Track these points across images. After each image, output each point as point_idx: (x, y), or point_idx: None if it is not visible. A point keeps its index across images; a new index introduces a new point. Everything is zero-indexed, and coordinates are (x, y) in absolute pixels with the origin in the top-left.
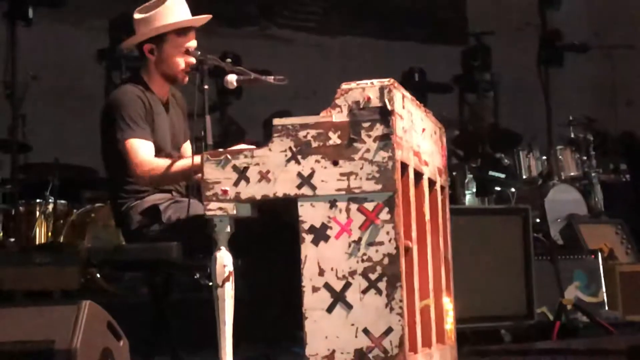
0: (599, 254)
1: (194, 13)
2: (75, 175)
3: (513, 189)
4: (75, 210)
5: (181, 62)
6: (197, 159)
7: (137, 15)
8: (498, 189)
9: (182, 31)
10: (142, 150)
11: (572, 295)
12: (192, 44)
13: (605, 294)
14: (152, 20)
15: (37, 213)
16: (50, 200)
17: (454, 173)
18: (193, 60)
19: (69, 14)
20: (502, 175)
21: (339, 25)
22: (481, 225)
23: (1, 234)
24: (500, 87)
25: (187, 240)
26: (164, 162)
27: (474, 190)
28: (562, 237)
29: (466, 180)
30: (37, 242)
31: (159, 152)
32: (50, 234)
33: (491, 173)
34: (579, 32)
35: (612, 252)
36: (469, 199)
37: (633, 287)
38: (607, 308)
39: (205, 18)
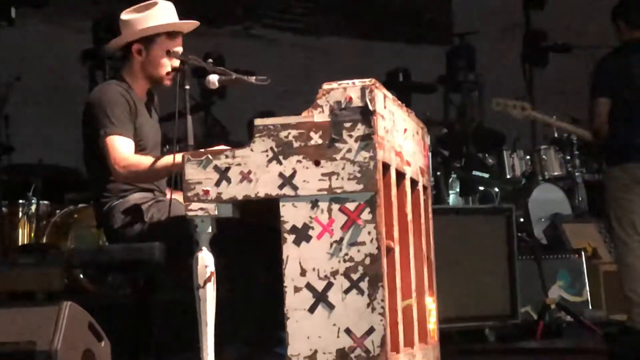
0: (583, 254)
1: (178, 11)
2: (59, 176)
3: (497, 189)
4: (58, 211)
5: (167, 64)
6: (178, 157)
7: (125, 16)
8: (482, 188)
9: (172, 34)
10: (122, 147)
11: (555, 295)
12: (179, 48)
13: (589, 294)
14: (142, 21)
15: (20, 214)
16: (33, 201)
17: (438, 173)
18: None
19: (52, 14)
20: (486, 175)
21: (323, 25)
22: (465, 225)
23: None
24: (485, 87)
25: (169, 240)
26: (142, 160)
27: (458, 189)
28: (546, 237)
29: (450, 180)
30: (20, 243)
31: (140, 152)
32: (33, 235)
33: (475, 173)
34: (563, 32)
35: (595, 251)
36: (452, 198)
37: (617, 286)
38: (590, 307)
39: (194, 24)
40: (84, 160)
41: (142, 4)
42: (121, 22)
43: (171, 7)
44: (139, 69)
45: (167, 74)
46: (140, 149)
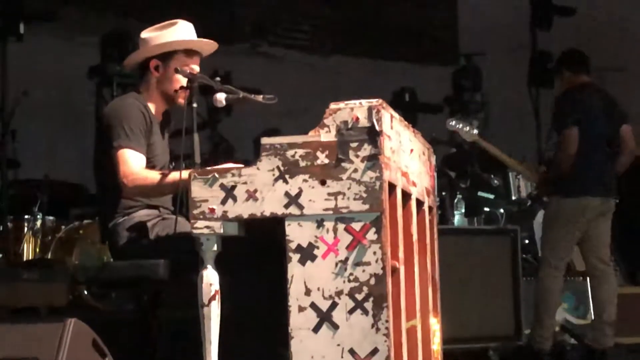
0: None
1: None
2: (64, 192)
3: (502, 210)
4: (63, 227)
5: (182, 81)
6: (185, 174)
7: (144, 35)
8: (487, 209)
9: (189, 52)
10: (133, 161)
11: (560, 317)
12: (196, 67)
13: (593, 317)
14: (161, 37)
15: (25, 229)
16: (38, 217)
17: (444, 193)
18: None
19: (60, 29)
20: (492, 196)
21: (330, 44)
22: (470, 246)
23: None
24: (491, 107)
25: (173, 257)
26: (151, 175)
27: (463, 210)
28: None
29: (455, 200)
30: (25, 258)
31: (151, 169)
32: (38, 250)
33: (480, 193)
34: None
35: None
36: (458, 219)
37: (621, 309)
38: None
39: (212, 45)
40: (94, 172)
41: (162, 23)
42: (140, 41)
43: (191, 27)
44: (155, 85)
45: (176, 91)
46: (149, 166)
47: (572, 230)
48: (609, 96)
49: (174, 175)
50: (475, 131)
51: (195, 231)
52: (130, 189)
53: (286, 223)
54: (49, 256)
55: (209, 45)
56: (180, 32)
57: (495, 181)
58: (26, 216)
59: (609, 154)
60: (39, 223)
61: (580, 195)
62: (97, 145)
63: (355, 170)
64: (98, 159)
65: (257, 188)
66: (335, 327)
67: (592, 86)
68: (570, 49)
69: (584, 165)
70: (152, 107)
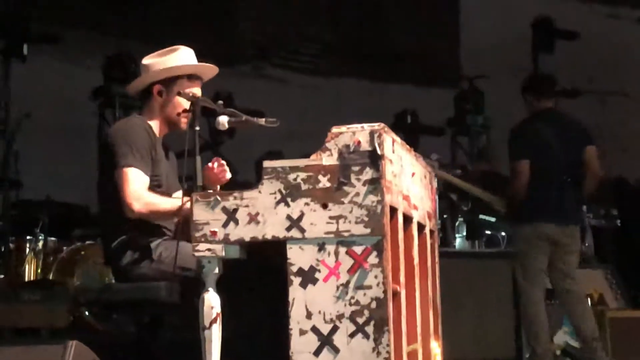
0: (589, 299)
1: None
2: (66, 213)
3: (503, 233)
4: (65, 248)
5: (185, 105)
6: (187, 199)
7: (146, 61)
8: (488, 232)
9: (192, 77)
10: (137, 181)
11: (561, 340)
12: (198, 92)
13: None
14: (164, 63)
15: (27, 250)
16: (40, 237)
17: (445, 216)
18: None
19: (63, 51)
20: (493, 219)
21: (333, 66)
22: (471, 269)
23: None
24: (493, 130)
25: (175, 280)
26: (155, 199)
27: (464, 233)
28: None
29: (457, 223)
30: (26, 279)
31: (156, 187)
32: (39, 270)
33: (482, 216)
34: (571, 77)
35: (602, 297)
36: (459, 242)
37: (622, 332)
38: None
39: (214, 69)
40: (98, 192)
41: (163, 50)
42: (142, 67)
43: (192, 53)
44: (159, 110)
45: (179, 114)
46: (155, 184)
47: (536, 255)
48: (568, 120)
49: (175, 201)
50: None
51: (197, 254)
52: (136, 209)
53: (288, 246)
54: (51, 277)
55: (210, 70)
56: (182, 57)
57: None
58: (28, 237)
59: (565, 182)
60: (40, 244)
61: (533, 221)
62: (100, 165)
63: (357, 194)
64: (101, 179)
65: (259, 211)
66: (336, 350)
67: (550, 112)
68: (534, 74)
69: (537, 193)
70: (156, 129)
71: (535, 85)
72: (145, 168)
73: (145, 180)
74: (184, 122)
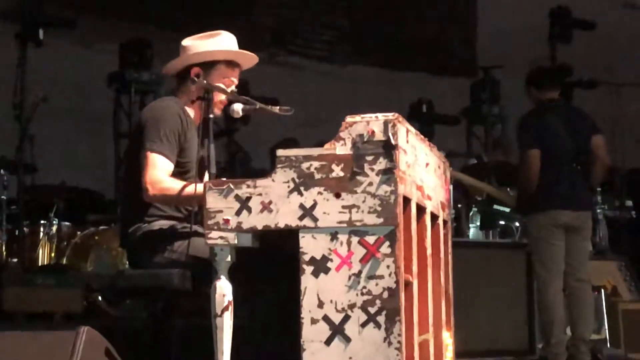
0: (602, 291)
1: None
2: (81, 198)
3: (517, 223)
4: (79, 233)
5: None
6: (201, 187)
7: (186, 42)
8: (502, 222)
9: (231, 64)
10: (161, 167)
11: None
12: (235, 79)
13: (607, 332)
14: (205, 46)
15: (41, 234)
16: (54, 222)
17: (459, 206)
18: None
19: (79, 36)
20: (507, 209)
21: (349, 54)
22: (484, 259)
23: (4, 254)
24: (509, 120)
25: (189, 268)
26: (173, 184)
27: (478, 223)
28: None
29: (471, 213)
30: (40, 264)
31: (183, 175)
32: (53, 255)
33: (496, 207)
34: (589, 67)
35: (615, 289)
36: (473, 232)
37: (636, 324)
38: (609, 345)
39: (254, 58)
40: (124, 174)
41: (205, 33)
42: (181, 48)
43: (234, 39)
44: (195, 94)
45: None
46: (185, 170)
47: (553, 241)
48: (574, 111)
49: (192, 188)
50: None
51: (209, 242)
52: (152, 195)
53: (300, 235)
54: (64, 262)
55: (251, 59)
56: (223, 43)
57: (511, 194)
58: (42, 221)
59: (575, 170)
60: (54, 228)
61: (547, 209)
62: (130, 146)
63: (370, 184)
64: (129, 160)
65: (272, 200)
66: (347, 340)
67: (556, 103)
68: (539, 67)
69: (549, 182)
70: (191, 112)
71: (537, 77)
72: (171, 154)
73: (168, 166)
74: (219, 107)
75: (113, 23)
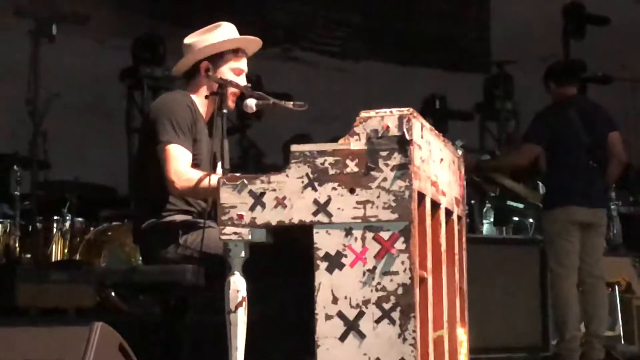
0: (616, 288)
1: None
2: (94, 194)
3: (531, 220)
4: (92, 228)
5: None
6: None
7: (189, 40)
8: (516, 219)
9: (237, 52)
10: (181, 159)
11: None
12: (244, 67)
13: (621, 328)
14: (209, 39)
15: (54, 230)
16: (67, 218)
17: (473, 202)
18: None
19: (92, 31)
20: (521, 205)
21: (362, 50)
22: (498, 255)
23: (18, 250)
24: (522, 116)
25: (202, 264)
26: (197, 175)
27: (492, 219)
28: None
29: (484, 209)
30: (53, 259)
31: (194, 167)
32: (66, 251)
33: (510, 203)
34: (602, 63)
35: (629, 285)
36: (486, 228)
37: None
38: (623, 342)
39: (257, 42)
40: (136, 170)
41: (205, 28)
42: (185, 47)
43: (234, 28)
44: (207, 88)
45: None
46: (195, 163)
47: (568, 238)
48: (592, 106)
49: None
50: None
51: (223, 237)
52: (178, 186)
53: (314, 231)
54: (77, 257)
55: (255, 43)
56: (226, 33)
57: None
58: (55, 217)
59: (592, 166)
60: (67, 224)
61: (565, 205)
62: (141, 141)
63: (385, 179)
64: (141, 155)
65: (286, 195)
66: (362, 336)
67: (574, 99)
68: (557, 63)
69: (565, 178)
70: (201, 107)
71: (556, 72)
72: (187, 144)
73: (188, 156)
74: (232, 99)
75: (126, 19)
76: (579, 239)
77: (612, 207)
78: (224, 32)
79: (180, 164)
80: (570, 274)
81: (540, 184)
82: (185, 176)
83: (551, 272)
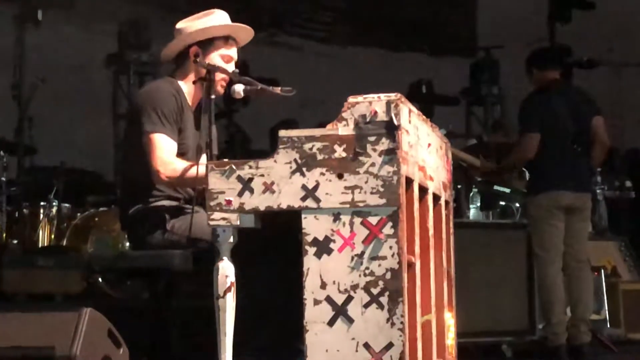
0: (602, 271)
1: None
2: (80, 179)
3: (517, 204)
4: (78, 214)
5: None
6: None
7: (181, 25)
8: (502, 203)
9: (228, 39)
10: (166, 148)
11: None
12: (234, 55)
13: (607, 312)
14: (200, 24)
15: (41, 216)
16: (54, 204)
17: (459, 186)
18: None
19: (78, 17)
20: (507, 190)
21: (348, 35)
22: (485, 240)
23: (5, 236)
24: (508, 101)
25: (190, 249)
26: (182, 164)
27: (479, 204)
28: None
29: (471, 194)
30: (40, 245)
31: (180, 156)
32: (53, 237)
33: (496, 187)
34: (588, 48)
35: (615, 269)
36: (473, 213)
37: (636, 305)
38: (609, 326)
39: (249, 32)
40: (123, 156)
41: (198, 13)
42: (176, 31)
43: (227, 16)
44: (195, 75)
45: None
46: (180, 152)
47: (553, 222)
48: (576, 92)
49: (203, 168)
50: None
51: (211, 222)
52: (164, 176)
53: (303, 216)
54: (64, 243)
55: (247, 32)
56: (218, 19)
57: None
58: (42, 203)
59: (576, 151)
60: (54, 210)
61: (549, 190)
62: (126, 129)
63: (373, 164)
64: (126, 143)
65: (274, 180)
66: (350, 321)
67: (558, 84)
68: (540, 47)
69: (550, 163)
70: (188, 94)
71: (538, 57)
72: (172, 134)
73: (173, 146)
74: (221, 85)
75: (111, 4)
76: (564, 223)
77: (598, 191)
78: (216, 19)
79: (166, 154)
80: (555, 259)
81: (524, 170)
82: (171, 166)
83: (536, 258)
